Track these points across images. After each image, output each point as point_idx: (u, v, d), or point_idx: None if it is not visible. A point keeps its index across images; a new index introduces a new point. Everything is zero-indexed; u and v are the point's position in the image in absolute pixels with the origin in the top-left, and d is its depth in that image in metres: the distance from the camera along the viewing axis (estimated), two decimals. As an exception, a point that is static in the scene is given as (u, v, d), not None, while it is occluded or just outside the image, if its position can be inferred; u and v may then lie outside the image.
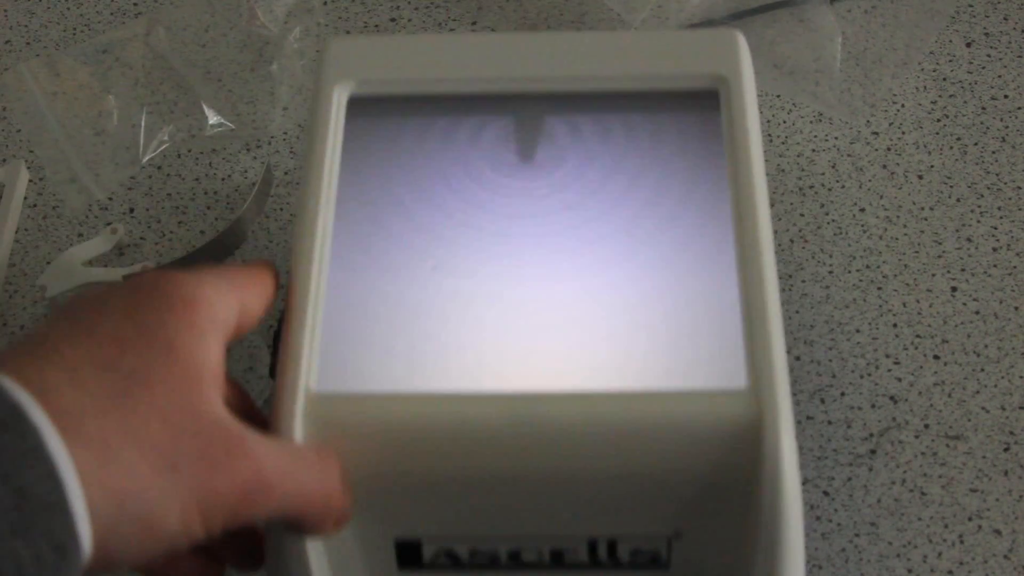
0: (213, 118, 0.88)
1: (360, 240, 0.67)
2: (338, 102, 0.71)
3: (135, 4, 0.96)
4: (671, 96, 0.71)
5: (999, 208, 0.84)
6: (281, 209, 0.86)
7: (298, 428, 0.61)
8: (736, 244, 0.65)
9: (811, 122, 0.88)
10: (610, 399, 0.61)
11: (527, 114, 0.71)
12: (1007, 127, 0.88)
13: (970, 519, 0.73)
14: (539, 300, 0.65)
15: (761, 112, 0.87)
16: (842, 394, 0.77)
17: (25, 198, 0.88)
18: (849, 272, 0.82)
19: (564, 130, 0.71)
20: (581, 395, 0.62)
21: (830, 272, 0.82)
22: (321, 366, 0.63)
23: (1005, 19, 0.93)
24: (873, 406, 0.77)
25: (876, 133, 0.88)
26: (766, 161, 0.86)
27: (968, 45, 0.92)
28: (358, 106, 0.71)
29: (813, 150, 0.87)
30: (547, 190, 0.69)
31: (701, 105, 0.71)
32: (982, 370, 0.78)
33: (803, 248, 0.83)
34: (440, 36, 0.83)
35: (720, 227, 0.66)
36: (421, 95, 0.72)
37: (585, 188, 0.69)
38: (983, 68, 0.91)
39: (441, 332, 0.64)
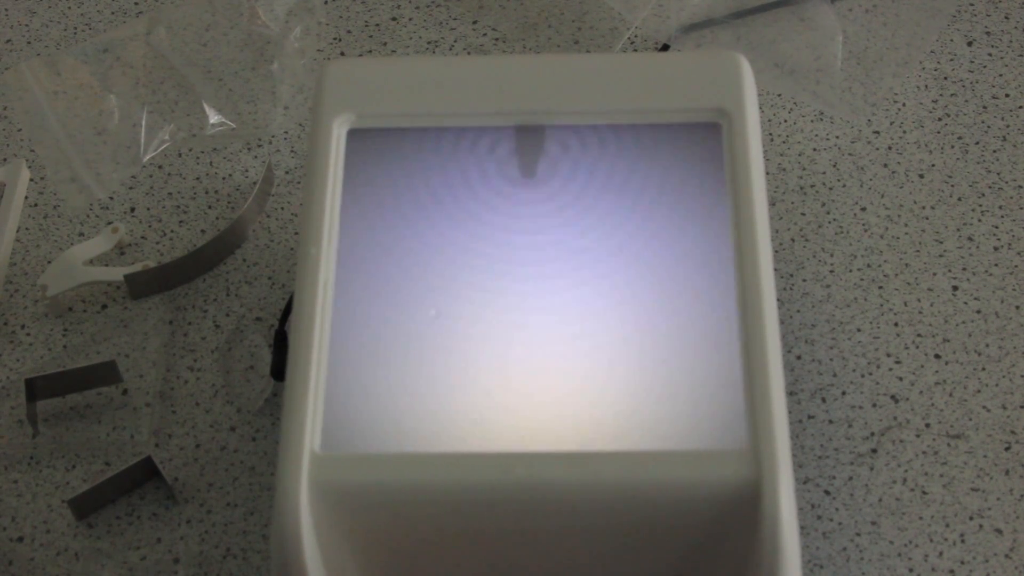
0: (214, 117, 0.88)
1: (362, 286, 0.67)
2: (338, 136, 0.71)
3: (136, 3, 0.96)
4: (673, 130, 0.70)
5: (1000, 207, 0.84)
6: (282, 208, 0.86)
7: (303, 489, 0.61)
8: (738, 296, 0.65)
9: (812, 121, 0.88)
10: (611, 459, 0.61)
11: (528, 150, 0.71)
12: (1008, 126, 0.88)
13: (971, 518, 0.73)
14: (541, 353, 0.65)
15: (762, 111, 0.87)
16: (843, 393, 0.77)
17: (26, 197, 0.88)
18: (850, 271, 0.82)
19: (566, 166, 0.70)
20: (583, 455, 0.62)
21: (831, 271, 0.82)
22: (324, 427, 0.63)
23: (1006, 18, 0.93)
24: (874, 405, 0.77)
25: (877, 132, 0.88)
26: (767, 160, 0.86)
27: (969, 44, 0.92)
28: (358, 138, 0.71)
29: (814, 149, 0.87)
30: (549, 227, 0.68)
31: (703, 138, 0.70)
32: (983, 369, 0.78)
33: (804, 247, 0.83)
34: (438, 60, 0.83)
35: (722, 276, 0.66)
36: (420, 128, 0.71)
37: (586, 228, 0.68)
38: (984, 67, 0.91)
39: (442, 390, 0.64)
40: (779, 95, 0.90)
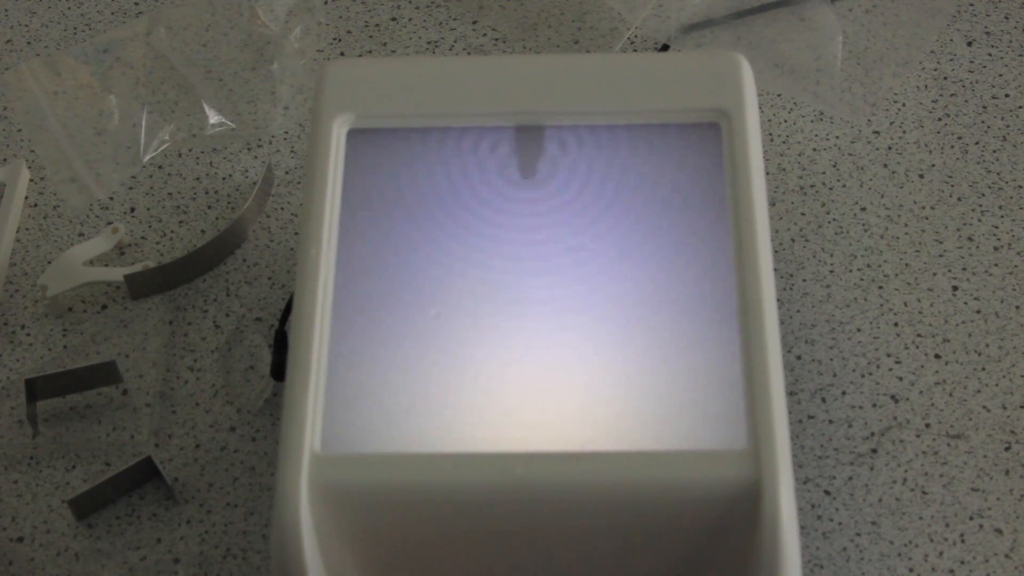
0: (214, 117, 0.88)
1: (362, 286, 0.66)
2: (337, 135, 0.71)
3: (136, 4, 0.96)
4: (673, 130, 0.70)
5: (1000, 207, 0.84)
6: (282, 208, 0.86)
7: (303, 490, 0.61)
8: (738, 296, 0.65)
9: (812, 121, 0.88)
10: (611, 459, 0.61)
11: (528, 150, 0.71)
12: (1008, 126, 0.88)
13: (971, 518, 0.73)
14: (541, 353, 0.65)
15: (762, 111, 0.87)
16: (843, 393, 0.77)
17: (26, 197, 0.88)
18: (850, 271, 0.82)
19: (566, 166, 0.70)
20: (583, 455, 0.62)
21: (831, 271, 0.82)
22: (324, 427, 0.63)
23: (1006, 18, 0.93)
24: (874, 405, 0.77)
25: (877, 132, 0.88)
26: (767, 160, 0.86)
27: (969, 44, 0.92)
28: (358, 138, 0.71)
29: (814, 149, 0.87)
30: (549, 227, 0.68)
31: (703, 138, 0.70)
32: (983, 369, 0.78)
33: (804, 247, 0.83)
34: (438, 60, 0.83)
35: (722, 276, 0.66)
36: (420, 128, 0.71)
37: (586, 228, 0.68)
38: (984, 67, 0.91)
39: (443, 390, 0.64)
40: (779, 95, 0.90)
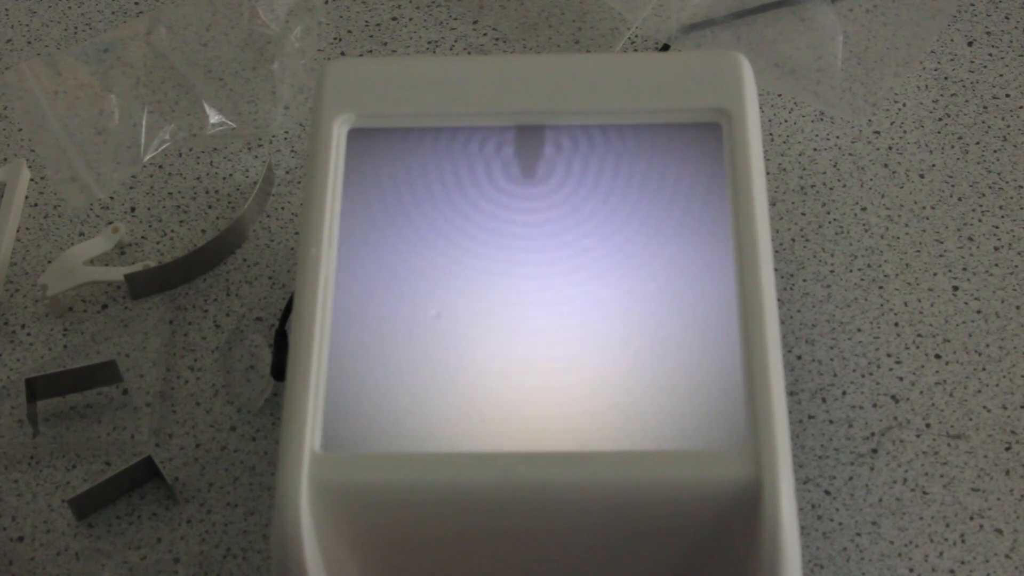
0: (214, 117, 0.88)
1: (362, 286, 0.66)
2: (338, 135, 0.71)
3: (136, 3, 0.96)
4: (673, 130, 0.70)
5: (1000, 207, 0.84)
6: (282, 208, 0.86)
7: (303, 489, 0.61)
8: (738, 296, 0.65)
9: (812, 121, 0.88)
10: (611, 459, 0.61)
11: (528, 150, 0.71)
12: (1008, 126, 0.88)
13: (971, 518, 0.73)
14: (541, 353, 0.65)
15: (762, 111, 0.87)
16: (843, 393, 0.77)
17: (26, 197, 0.88)
18: (850, 271, 0.82)
19: (566, 166, 0.70)
20: (583, 455, 0.62)
21: (831, 271, 0.82)
22: (324, 427, 0.63)
23: (1007, 18, 0.93)
24: (875, 405, 0.77)
25: (877, 132, 0.88)
26: (767, 160, 0.86)
27: (970, 44, 0.92)
28: (358, 138, 0.71)
29: (815, 149, 0.87)
30: (549, 227, 0.68)
31: (703, 138, 0.70)
32: (983, 369, 0.78)
33: (804, 247, 0.83)
34: (439, 60, 0.83)
35: (722, 276, 0.66)
36: (421, 128, 0.71)
37: (587, 227, 0.68)
38: (984, 67, 0.91)
39: (443, 390, 0.64)
40: (779, 95, 0.90)
